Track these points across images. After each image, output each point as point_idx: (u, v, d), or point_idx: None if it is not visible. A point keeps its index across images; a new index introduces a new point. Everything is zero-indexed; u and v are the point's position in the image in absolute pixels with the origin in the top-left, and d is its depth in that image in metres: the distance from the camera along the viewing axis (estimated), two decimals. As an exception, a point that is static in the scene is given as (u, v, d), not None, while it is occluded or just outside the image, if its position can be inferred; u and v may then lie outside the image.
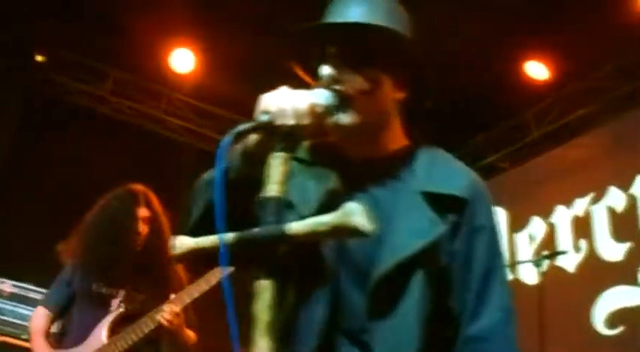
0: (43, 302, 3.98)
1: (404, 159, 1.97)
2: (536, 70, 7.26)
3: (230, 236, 1.63)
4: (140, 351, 3.67)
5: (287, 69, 2.06)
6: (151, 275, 3.80)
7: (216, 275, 3.61)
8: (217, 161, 1.70)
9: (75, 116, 8.03)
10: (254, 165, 1.77)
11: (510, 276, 7.03)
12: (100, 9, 7.00)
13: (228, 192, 1.65)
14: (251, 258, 1.62)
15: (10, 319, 6.43)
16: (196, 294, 3.67)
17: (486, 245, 1.91)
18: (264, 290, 1.59)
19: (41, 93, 7.99)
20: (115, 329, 3.69)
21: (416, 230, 1.84)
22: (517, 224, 7.79)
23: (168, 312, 3.58)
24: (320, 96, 1.82)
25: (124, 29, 7.03)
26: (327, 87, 1.87)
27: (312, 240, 1.65)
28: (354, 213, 1.57)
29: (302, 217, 1.67)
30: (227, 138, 1.70)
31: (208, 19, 6.87)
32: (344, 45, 1.92)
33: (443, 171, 1.94)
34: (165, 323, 3.57)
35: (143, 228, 3.83)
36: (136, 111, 8.25)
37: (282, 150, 1.71)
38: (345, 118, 1.88)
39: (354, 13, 1.91)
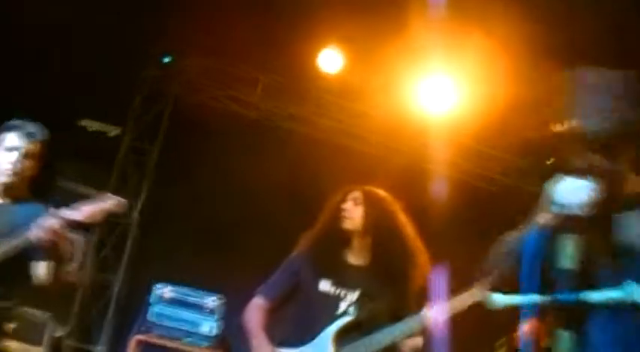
0: (262, 292, 3.72)
1: None
2: None
3: (541, 297, 2.43)
4: None
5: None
6: (384, 282, 3.63)
7: (472, 297, 3.40)
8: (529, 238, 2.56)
9: (224, 123, 8.19)
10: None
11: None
12: (246, 16, 7.08)
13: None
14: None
15: (172, 323, 6.59)
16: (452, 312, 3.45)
17: None
18: (564, 339, 2.38)
19: (191, 102, 8.21)
20: (342, 336, 3.50)
21: None
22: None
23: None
24: (591, 189, 2.47)
25: (272, 33, 7.08)
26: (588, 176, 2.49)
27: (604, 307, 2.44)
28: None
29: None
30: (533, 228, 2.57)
31: (355, 18, 6.79)
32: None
33: None
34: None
35: (349, 205, 3.74)
36: (286, 115, 8.30)
37: (570, 231, 2.48)
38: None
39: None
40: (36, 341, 6.54)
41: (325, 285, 3.61)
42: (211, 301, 6.73)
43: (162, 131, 8.24)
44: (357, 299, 3.59)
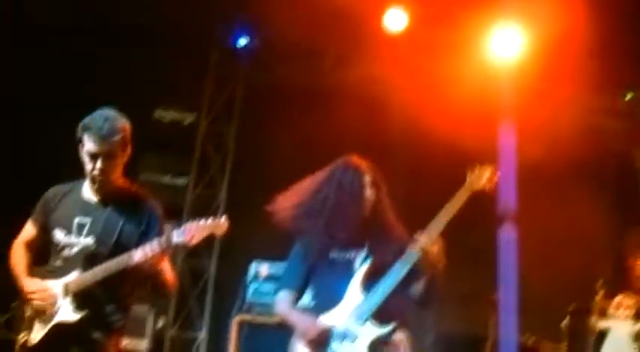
0: (284, 286, 3.96)
1: None
2: None
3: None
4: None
5: None
6: (384, 236, 3.82)
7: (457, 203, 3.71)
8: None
9: (297, 96, 8.16)
10: None
11: None
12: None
13: None
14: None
15: (271, 300, 6.61)
16: (442, 225, 3.67)
17: None
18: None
19: (262, 80, 8.20)
20: (367, 283, 3.71)
21: None
22: None
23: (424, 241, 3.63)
24: None
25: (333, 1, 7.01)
26: None
27: None
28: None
29: None
30: None
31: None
32: None
33: None
34: (427, 248, 3.61)
35: (370, 194, 3.84)
36: (358, 80, 8.21)
37: None
38: None
39: None
40: (139, 334, 6.70)
41: (335, 254, 3.82)
42: (308, 273, 6.72)
43: (236, 112, 8.25)
44: (367, 252, 3.78)
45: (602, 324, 6.06)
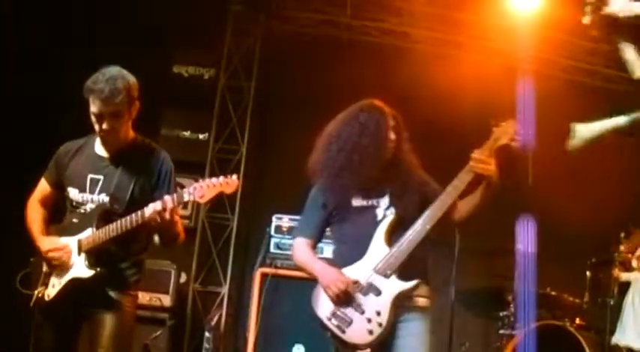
0: (300, 233, 3.92)
1: None
2: None
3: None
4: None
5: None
6: (406, 182, 3.80)
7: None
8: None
9: (318, 48, 8.10)
10: None
11: None
12: None
13: None
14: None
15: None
16: (462, 186, 3.66)
17: None
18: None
19: (281, 32, 8.14)
20: (391, 235, 3.70)
21: None
22: None
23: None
24: None
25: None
26: None
27: None
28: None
29: None
30: None
31: None
32: None
33: None
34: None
35: (392, 137, 3.81)
36: (379, 31, 8.12)
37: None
38: None
39: None
40: (162, 290, 6.77)
41: (357, 202, 3.79)
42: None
43: (256, 66, 8.21)
44: (390, 202, 3.76)
45: (624, 276, 6.04)
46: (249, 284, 6.65)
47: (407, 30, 8.04)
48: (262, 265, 6.56)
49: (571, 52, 7.98)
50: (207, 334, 6.83)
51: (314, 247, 3.91)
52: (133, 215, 3.64)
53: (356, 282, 3.65)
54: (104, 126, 3.72)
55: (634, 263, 6.02)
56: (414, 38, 8.07)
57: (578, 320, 6.32)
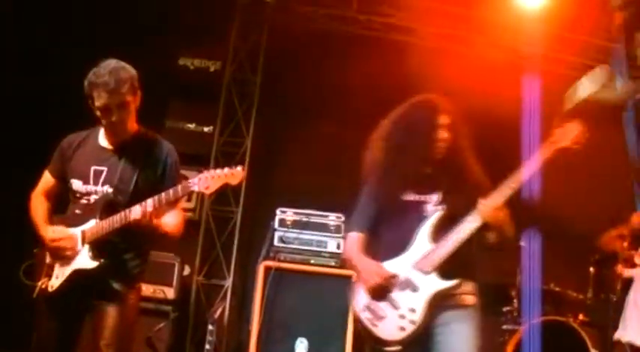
0: (354, 227, 3.88)
1: None
2: None
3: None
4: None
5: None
6: (459, 181, 3.74)
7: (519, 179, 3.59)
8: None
9: (324, 42, 8.09)
10: None
11: None
12: None
13: None
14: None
15: (296, 246, 6.67)
16: (509, 191, 3.58)
17: None
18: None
19: (288, 26, 8.12)
20: (437, 232, 3.65)
21: None
22: None
23: (489, 205, 3.56)
24: None
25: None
26: None
27: None
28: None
29: None
30: None
31: None
32: None
33: None
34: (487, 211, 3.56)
35: (445, 135, 3.76)
36: (385, 26, 8.10)
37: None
38: None
39: None
40: (166, 282, 6.77)
41: (409, 196, 3.75)
42: (335, 219, 6.77)
43: (261, 59, 8.20)
44: (441, 198, 3.72)
45: (627, 273, 6.04)
46: (253, 277, 6.66)
47: (413, 25, 8.02)
48: (266, 258, 6.57)
49: (577, 49, 7.95)
50: (210, 327, 6.83)
51: (365, 240, 3.83)
52: (137, 206, 3.64)
53: (394, 276, 3.61)
54: (113, 118, 3.73)
55: (637, 259, 6.01)
56: (420, 33, 8.05)
57: (581, 316, 6.33)
